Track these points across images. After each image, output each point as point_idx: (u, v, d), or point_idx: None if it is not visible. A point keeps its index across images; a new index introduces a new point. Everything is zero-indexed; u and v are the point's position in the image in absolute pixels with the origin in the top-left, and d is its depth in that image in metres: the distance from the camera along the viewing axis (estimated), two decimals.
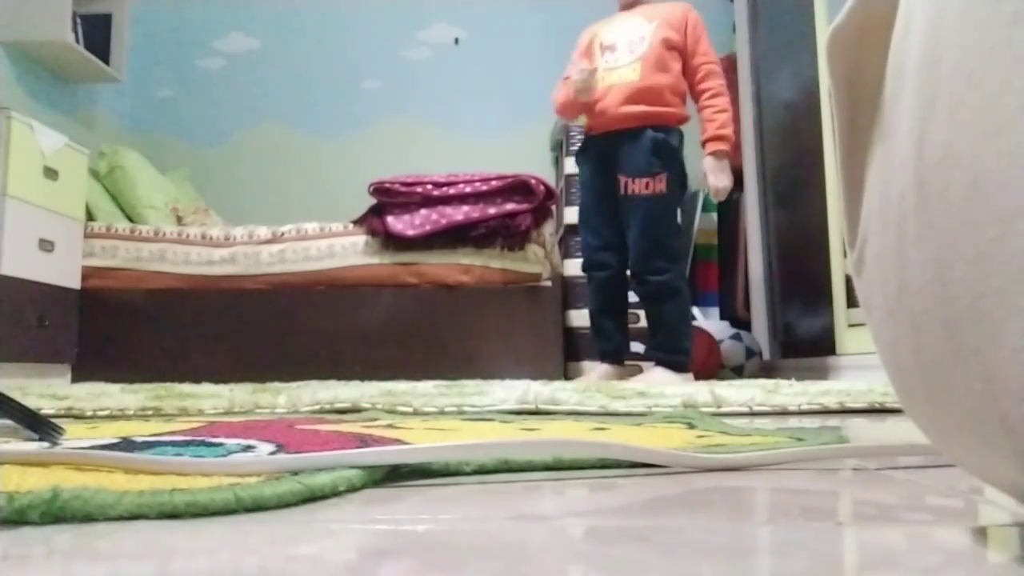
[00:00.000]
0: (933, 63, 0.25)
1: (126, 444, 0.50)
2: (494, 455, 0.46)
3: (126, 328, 2.79)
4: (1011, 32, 0.21)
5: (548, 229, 2.71)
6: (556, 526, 0.34)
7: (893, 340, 0.28)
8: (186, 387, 1.55)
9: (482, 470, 0.46)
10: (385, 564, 0.27)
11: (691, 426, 0.72)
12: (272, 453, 0.46)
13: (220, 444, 0.50)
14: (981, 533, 0.32)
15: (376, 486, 0.42)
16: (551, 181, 2.99)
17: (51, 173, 2.66)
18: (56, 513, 0.31)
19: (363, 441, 0.52)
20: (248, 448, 0.49)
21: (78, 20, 3.20)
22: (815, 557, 0.28)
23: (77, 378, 2.70)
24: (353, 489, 0.40)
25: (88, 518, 0.32)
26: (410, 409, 0.98)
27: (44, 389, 1.60)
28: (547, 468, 0.47)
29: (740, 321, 3.28)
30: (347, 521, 0.35)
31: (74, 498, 0.31)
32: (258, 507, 0.34)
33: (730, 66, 3.63)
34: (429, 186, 2.69)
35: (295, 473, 0.39)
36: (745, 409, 1.00)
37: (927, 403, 0.28)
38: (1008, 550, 0.29)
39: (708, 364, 2.75)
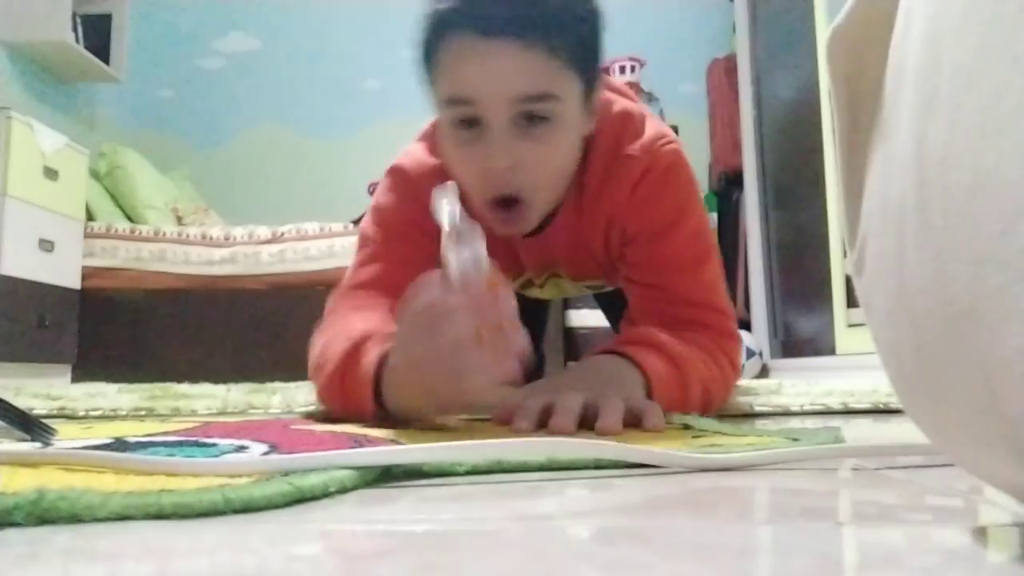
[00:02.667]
0: (933, 63, 0.25)
1: (119, 444, 0.50)
2: (489, 455, 0.46)
3: (126, 328, 2.79)
4: (1011, 32, 0.21)
5: None
6: (556, 526, 0.34)
7: (893, 340, 0.28)
8: (182, 387, 1.55)
9: (475, 470, 0.46)
10: (385, 564, 0.27)
11: (687, 426, 0.72)
12: (265, 454, 0.46)
13: (213, 444, 0.50)
14: (981, 533, 0.32)
15: (369, 487, 0.42)
16: None
17: (51, 173, 2.66)
18: (41, 514, 0.31)
19: (357, 441, 0.52)
20: (241, 448, 0.49)
21: (78, 20, 3.20)
22: (815, 557, 0.28)
23: (77, 378, 2.70)
24: (345, 490, 0.39)
25: (75, 519, 0.31)
26: None
27: (42, 389, 1.60)
28: (541, 468, 0.47)
29: (740, 321, 3.28)
30: (344, 522, 0.35)
31: (60, 499, 0.31)
32: (247, 508, 0.34)
33: (730, 66, 3.63)
34: None
35: (286, 474, 0.39)
36: (746, 409, 1.00)
37: (927, 403, 0.28)
38: (1008, 550, 0.29)
39: None
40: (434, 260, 0.86)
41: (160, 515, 0.32)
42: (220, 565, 0.28)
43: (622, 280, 1.00)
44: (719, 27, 3.89)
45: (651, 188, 0.92)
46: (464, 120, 0.82)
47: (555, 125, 0.82)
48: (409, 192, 0.98)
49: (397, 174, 1.01)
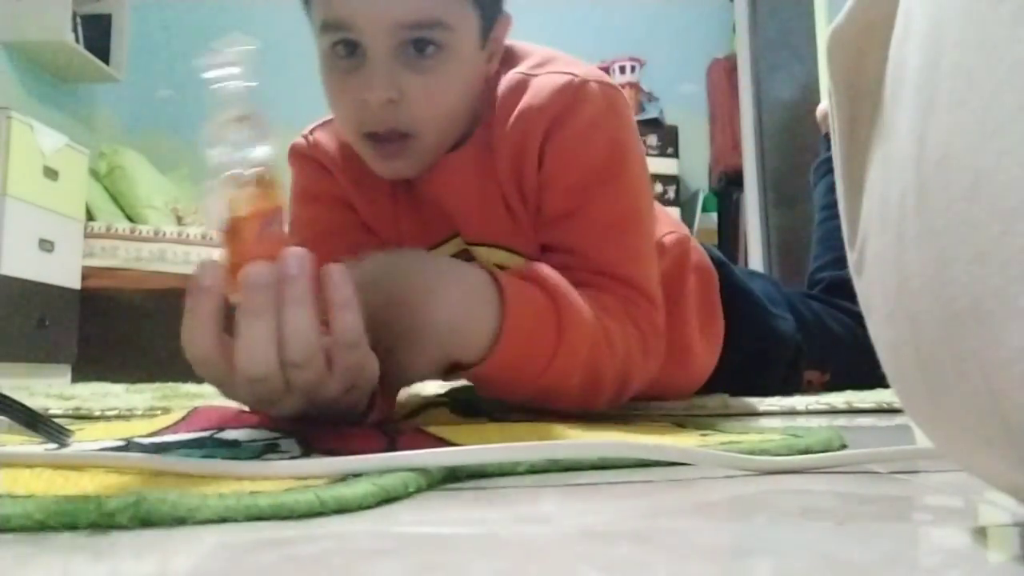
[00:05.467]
0: (933, 63, 0.25)
1: (134, 445, 0.49)
2: (554, 455, 0.46)
3: (126, 328, 2.79)
4: (1011, 32, 0.21)
5: None
6: (555, 526, 0.34)
7: (893, 340, 0.28)
8: (191, 387, 1.55)
9: (478, 473, 0.45)
10: (383, 564, 0.27)
11: (681, 425, 0.71)
12: (304, 450, 0.46)
13: (235, 442, 0.49)
14: (981, 533, 0.32)
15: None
16: None
17: (51, 173, 2.66)
18: (143, 517, 0.31)
19: (389, 437, 0.51)
20: (271, 446, 0.48)
21: (78, 20, 3.20)
22: (815, 557, 0.28)
23: (77, 378, 2.70)
24: (421, 490, 0.40)
25: (179, 521, 0.32)
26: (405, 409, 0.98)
27: (46, 389, 1.60)
28: (531, 471, 0.46)
29: None
30: (344, 523, 0.35)
31: (160, 502, 0.32)
32: (341, 509, 0.34)
33: (730, 66, 3.63)
34: None
35: (357, 475, 0.40)
36: (751, 409, 1.00)
37: (927, 403, 0.28)
38: (1008, 550, 0.29)
39: None
40: (350, 222, 0.88)
41: (260, 517, 0.33)
42: (219, 564, 0.28)
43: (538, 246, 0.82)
44: (719, 27, 3.89)
45: (578, 128, 0.77)
46: (342, 45, 0.73)
47: (445, 56, 0.73)
48: (304, 162, 0.91)
49: (292, 151, 0.93)
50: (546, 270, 0.69)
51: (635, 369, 0.75)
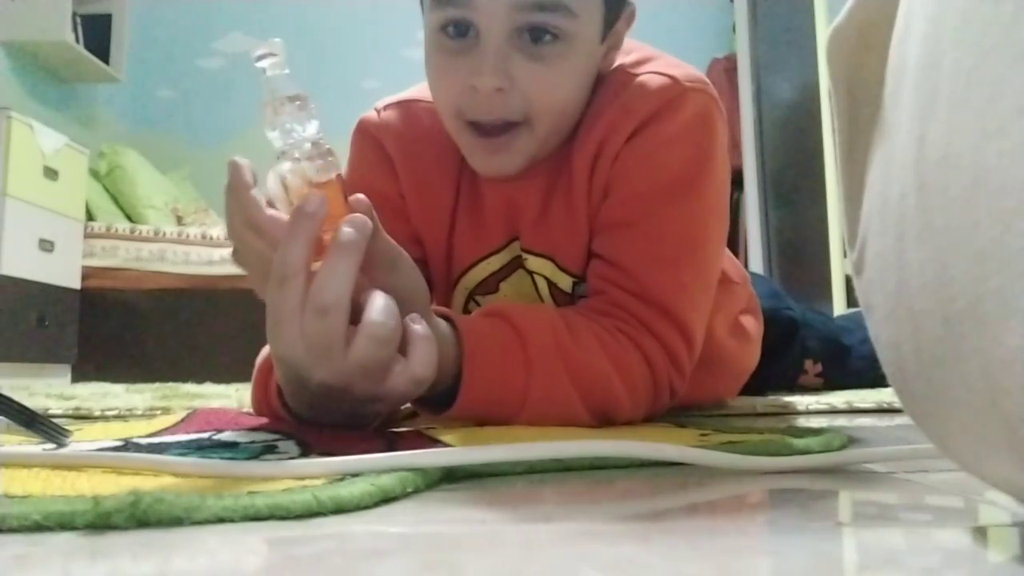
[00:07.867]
0: (933, 63, 0.24)
1: (132, 446, 0.49)
2: (553, 455, 0.46)
3: (126, 328, 2.79)
4: (1011, 32, 0.21)
5: None
6: (556, 526, 0.34)
7: (893, 340, 0.28)
8: (191, 387, 1.55)
9: (474, 473, 0.45)
10: (382, 564, 0.27)
11: (681, 425, 0.71)
12: (302, 452, 0.46)
13: (235, 444, 0.49)
14: (981, 533, 0.32)
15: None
16: None
17: (51, 173, 2.66)
18: (140, 517, 0.31)
19: (389, 441, 0.51)
20: (270, 447, 0.48)
21: (78, 20, 3.20)
22: (815, 557, 0.28)
23: (77, 378, 2.70)
24: (419, 490, 0.40)
25: (177, 521, 0.31)
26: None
27: (46, 389, 1.60)
28: (531, 471, 0.46)
29: None
30: (343, 523, 0.35)
31: (157, 502, 0.31)
32: (339, 509, 0.34)
33: (730, 66, 3.63)
34: None
35: (356, 475, 0.39)
36: (750, 410, 1.00)
37: (927, 403, 0.28)
38: (1008, 550, 0.29)
39: None
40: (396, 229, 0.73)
41: (258, 517, 0.32)
42: (219, 564, 0.28)
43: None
44: (719, 27, 3.89)
45: (663, 135, 0.72)
46: (453, 24, 0.69)
47: (563, 46, 0.68)
48: (367, 142, 0.84)
49: (359, 125, 0.85)
50: (505, 305, 0.67)
51: (624, 407, 0.68)
